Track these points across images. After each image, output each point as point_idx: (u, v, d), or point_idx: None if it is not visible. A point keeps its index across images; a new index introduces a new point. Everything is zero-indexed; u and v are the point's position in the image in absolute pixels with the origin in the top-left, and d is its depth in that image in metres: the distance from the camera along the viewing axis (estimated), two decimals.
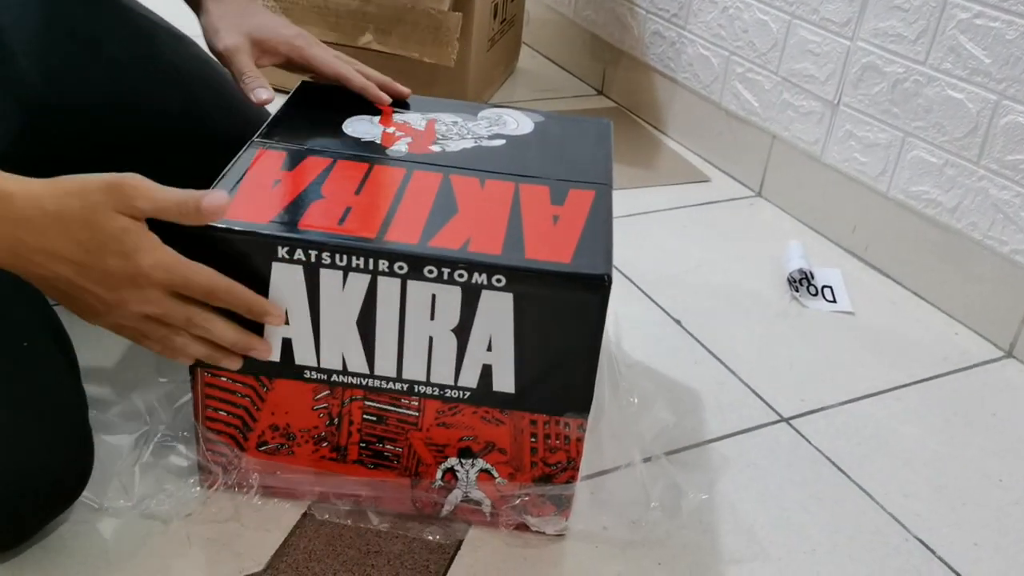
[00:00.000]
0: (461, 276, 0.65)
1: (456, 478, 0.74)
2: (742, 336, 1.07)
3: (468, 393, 0.70)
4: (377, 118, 0.84)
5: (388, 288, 0.66)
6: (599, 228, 0.70)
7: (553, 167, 0.78)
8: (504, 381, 0.69)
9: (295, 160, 0.75)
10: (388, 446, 0.73)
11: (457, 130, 0.83)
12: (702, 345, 1.05)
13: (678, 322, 1.09)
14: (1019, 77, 1.03)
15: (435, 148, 0.79)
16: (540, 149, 0.81)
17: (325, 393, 0.71)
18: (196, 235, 0.65)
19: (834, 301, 1.15)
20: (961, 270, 1.14)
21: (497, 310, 0.66)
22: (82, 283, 0.61)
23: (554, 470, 0.73)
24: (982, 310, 1.12)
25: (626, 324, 1.05)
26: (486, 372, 0.69)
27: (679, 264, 1.21)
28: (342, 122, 0.82)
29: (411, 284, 0.66)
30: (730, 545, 0.78)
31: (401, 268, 0.66)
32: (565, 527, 0.76)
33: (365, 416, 0.72)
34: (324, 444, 0.74)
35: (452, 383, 0.70)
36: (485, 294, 0.66)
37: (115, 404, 0.84)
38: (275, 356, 0.69)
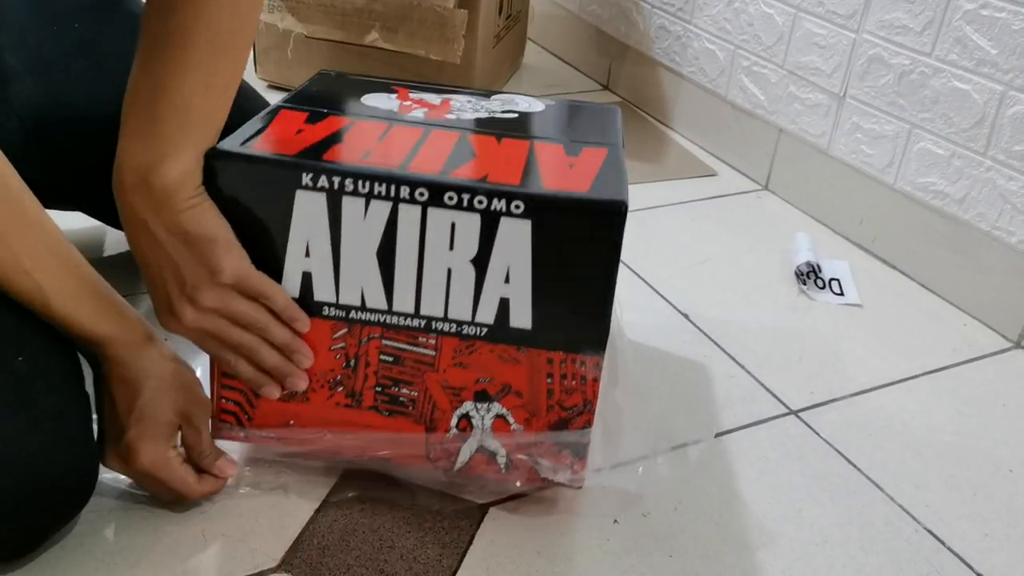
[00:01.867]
0: (480, 203, 0.66)
1: (471, 425, 0.74)
2: (750, 329, 1.07)
3: (485, 329, 0.71)
4: (395, 95, 0.85)
5: (409, 216, 0.67)
6: (614, 170, 0.72)
7: (566, 132, 0.81)
8: (521, 316, 0.70)
9: (316, 118, 0.77)
10: (404, 390, 0.74)
11: (472, 106, 0.85)
12: (710, 339, 1.05)
13: (686, 316, 1.09)
14: None
15: (451, 116, 0.81)
16: (553, 120, 0.84)
17: (343, 331, 0.72)
18: (222, 163, 0.67)
19: (842, 294, 1.15)
20: (969, 261, 1.14)
21: (515, 239, 0.67)
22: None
23: (570, 414, 0.73)
24: (990, 301, 1.12)
25: (634, 318, 1.05)
26: (503, 306, 0.70)
27: (686, 258, 1.21)
28: (360, 96, 0.84)
29: (431, 212, 0.67)
30: (741, 538, 0.78)
31: (422, 195, 0.67)
32: (581, 478, 0.75)
33: (382, 357, 0.73)
34: (340, 389, 0.74)
35: (469, 319, 0.70)
36: (504, 222, 0.67)
37: None
38: (295, 292, 0.71)
